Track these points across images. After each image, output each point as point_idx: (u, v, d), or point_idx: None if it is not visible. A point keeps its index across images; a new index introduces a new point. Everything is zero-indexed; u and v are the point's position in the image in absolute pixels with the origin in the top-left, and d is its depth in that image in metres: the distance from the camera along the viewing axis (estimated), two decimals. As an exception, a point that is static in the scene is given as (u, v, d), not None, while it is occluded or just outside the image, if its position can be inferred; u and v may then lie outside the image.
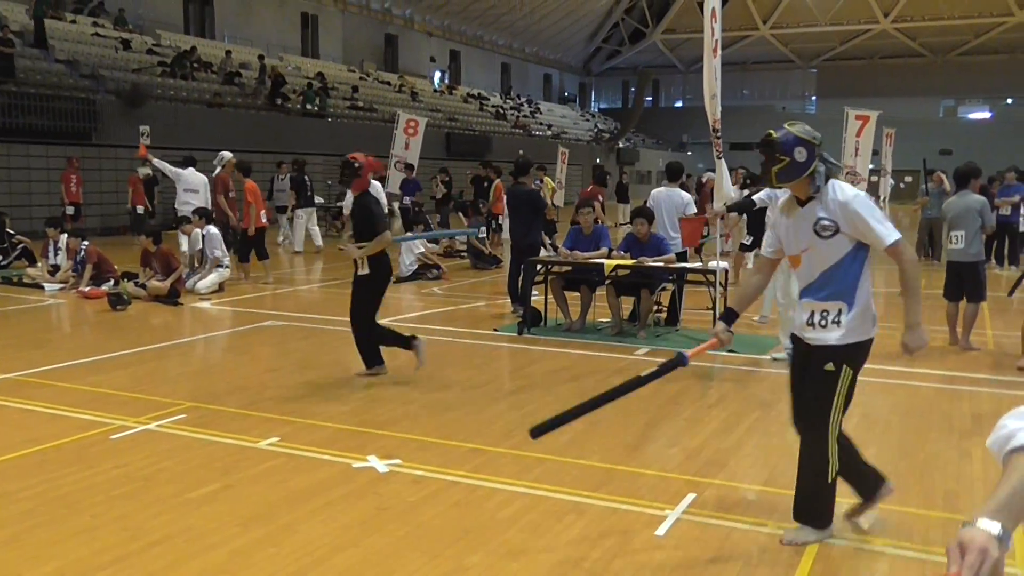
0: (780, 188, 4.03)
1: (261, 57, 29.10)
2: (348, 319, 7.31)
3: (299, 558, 3.81)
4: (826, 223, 3.86)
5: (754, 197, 8.18)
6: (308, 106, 28.05)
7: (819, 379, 3.95)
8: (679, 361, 4.16)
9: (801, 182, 3.92)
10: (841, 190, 3.89)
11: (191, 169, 14.11)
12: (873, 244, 3.83)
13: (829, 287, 3.91)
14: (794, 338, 4.16)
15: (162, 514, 4.30)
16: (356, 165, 7.11)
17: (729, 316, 4.22)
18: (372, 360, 7.25)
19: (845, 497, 4.18)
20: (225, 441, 5.47)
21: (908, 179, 40.42)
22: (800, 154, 3.87)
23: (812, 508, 4.01)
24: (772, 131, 3.97)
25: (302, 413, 6.12)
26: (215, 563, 3.75)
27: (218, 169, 13.63)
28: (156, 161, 14.01)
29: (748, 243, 13.11)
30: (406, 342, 7.27)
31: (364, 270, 7.12)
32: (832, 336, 3.91)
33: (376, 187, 13.86)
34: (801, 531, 4.01)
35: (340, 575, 3.66)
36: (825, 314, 3.92)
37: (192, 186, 13.99)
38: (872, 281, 4.04)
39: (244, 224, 13.02)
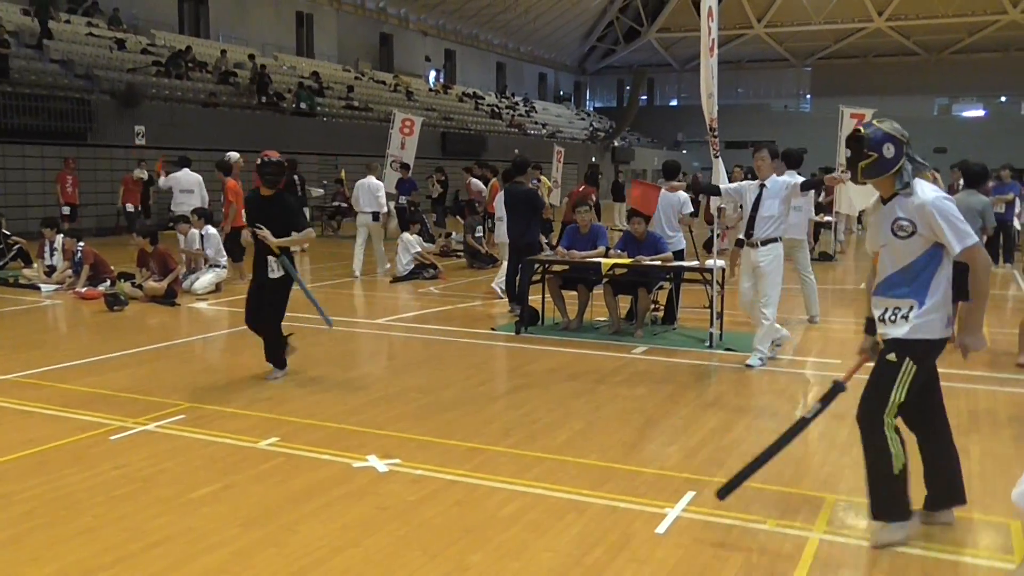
0: (865, 184, 4.00)
1: (252, 57, 28.99)
2: (262, 323, 7.05)
3: (300, 558, 3.81)
4: (904, 223, 3.87)
5: (722, 187, 8.09)
6: (300, 105, 27.96)
7: (880, 369, 3.97)
8: (838, 389, 4.19)
9: (887, 179, 3.92)
10: (922, 190, 3.88)
11: (185, 170, 14.29)
12: (949, 247, 3.81)
13: (903, 285, 3.93)
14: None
15: (163, 515, 4.30)
16: (284, 163, 7.09)
17: (869, 326, 4.19)
18: (283, 363, 7.19)
19: (841, 494, 4.20)
20: (224, 441, 5.47)
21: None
22: (888, 150, 3.86)
23: (885, 503, 3.96)
24: (861, 127, 3.95)
25: (300, 413, 6.13)
26: (216, 563, 3.76)
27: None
28: (162, 181, 14.07)
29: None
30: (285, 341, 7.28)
31: (277, 273, 6.92)
32: (899, 331, 3.93)
33: (376, 185, 14.03)
34: (883, 529, 3.96)
35: (341, 575, 3.66)
36: (896, 311, 3.94)
37: (187, 187, 14.22)
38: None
39: (223, 223, 13.03)
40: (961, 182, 15.32)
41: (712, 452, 5.34)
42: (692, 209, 9.93)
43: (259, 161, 6.89)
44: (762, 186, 7.64)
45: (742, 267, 8.02)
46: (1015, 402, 6.65)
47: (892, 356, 3.91)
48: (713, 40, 8.06)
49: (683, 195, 9.65)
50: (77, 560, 3.78)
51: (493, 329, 9.50)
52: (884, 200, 3.99)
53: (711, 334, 8.58)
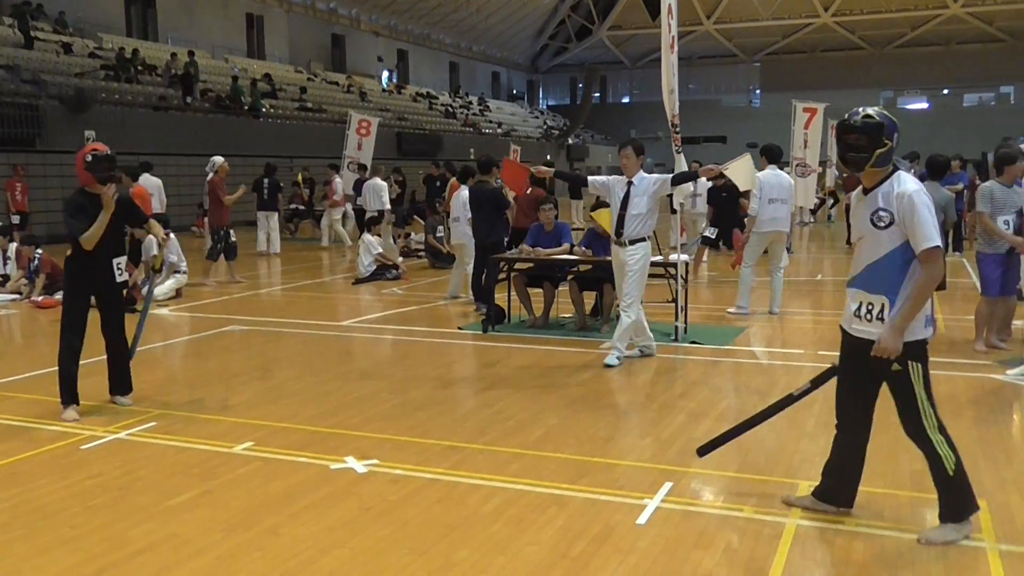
0: (860, 172, 3.95)
1: (173, 55, 28.08)
2: (118, 335, 6.40)
3: (286, 561, 3.82)
4: (883, 213, 3.86)
5: (590, 179, 7.88)
6: (232, 103, 27.25)
7: (893, 382, 3.95)
8: (833, 372, 4.25)
9: (882, 169, 3.92)
10: (904, 182, 3.87)
11: (146, 175, 14.22)
12: (914, 241, 3.80)
13: (876, 279, 3.91)
14: (842, 331, 4.17)
15: (143, 522, 4.27)
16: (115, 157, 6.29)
17: None
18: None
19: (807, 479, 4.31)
20: (199, 447, 5.43)
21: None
22: (896, 140, 3.88)
23: (950, 505, 3.98)
24: (871, 112, 3.91)
25: (273, 417, 6.10)
26: (202, 569, 3.75)
27: (211, 175, 13.54)
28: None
29: (712, 236, 13.31)
30: None
31: (124, 276, 6.38)
32: (874, 331, 3.91)
33: (381, 185, 14.92)
34: (942, 529, 3.96)
35: (330, 574, 3.67)
36: (870, 307, 3.93)
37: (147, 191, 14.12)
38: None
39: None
40: (912, 172, 15.75)
41: (686, 443, 5.43)
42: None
43: (89, 157, 6.03)
44: (629, 183, 7.53)
45: (613, 264, 7.83)
46: (973, 386, 6.84)
47: (896, 367, 3.90)
48: (673, 37, 8.17)
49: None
50: (59, 571, 3.74)
51: (460, 328, 9.52)
52: (867, 190, 3.98)
53: (676, 328, 8.70)
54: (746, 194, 11.47)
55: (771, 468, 4.98)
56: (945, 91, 59.02)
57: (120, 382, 6.36)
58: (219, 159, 13.66)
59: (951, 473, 3.93)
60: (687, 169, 8.49)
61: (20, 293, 11.71)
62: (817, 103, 17.51)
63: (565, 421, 6.15)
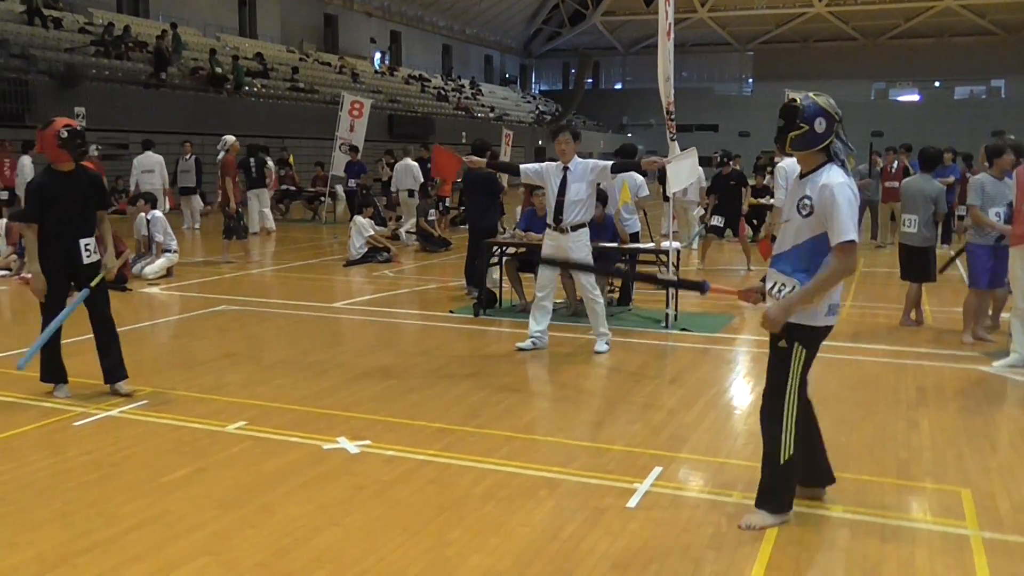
0: (792, 155, 4.00)
1: (163, 32, 27.66)
2: (106, 319, 6.21)
3: (280, 538, 3.85)
4: (807, 201, 3.89)
5: (522, 167, 7.80)
6: (216, 71, 26.88)
7: (774, 356, 4.04)
8: (701, 288, 4.39)
9: (812, 154, 3.91)
10: (831, 174, 3.87)
11: (148, 152, 15.62)
12: (831, 233, 3.81)
13: (792, 263, 3.95)
14: None
15: (136, 499, 4.29)
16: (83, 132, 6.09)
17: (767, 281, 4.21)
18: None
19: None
20: (192, 426, 5.45)
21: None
22: (820, 125, 3.85)
23: (767, 492, 4.06)
24: (797, 97, 3.93)
25: (266, 397, 6.12)
26: (196, 545, 3.78)
27: (222, 153, 13.56)
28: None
29: (720, 224, 13.33)
30: None
31: (94, 256, 6.10)
32: None
33: (413, 165, 15.32)
34: (756, 515, 4.04)
35: (323, 554, 3.71)
36: (782, 287, 3.97)
37: (148, 167, 16.39)
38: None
39: None
40: (896, 164, 15.83)
41: (676, 429, 5.49)
42: (648, 192, 10.08)
43: (65, 133, 5.81)
44: (565, 169, 7.42)
45: (546, 253, 7.70)
46: (960, 377, 6.92)
47: (783, 343, 3.96)
48: (670, 24, 8.18)
49: (640, 178, 9.78)
50: (54, 545, 3.76)
51: (451, 312, 9.55)
52: (802, 175, 4.01)
53: (667, 315, 8.75)
54: (755, 188, 11.49)
55: (760, 455, 5.02)
56: (937, 83, 59.19)
57: (112, 369, 6.11)
58: (230, 138, 13.75)
59: (780, 463, 3.98)
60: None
61: (9, 269, 11.67)
62: (811, 93, 17.53)
63: (556, 405, 6.20)
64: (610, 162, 7.66)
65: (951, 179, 15.06)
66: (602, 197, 9.42)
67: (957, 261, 10.09)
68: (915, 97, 59.65)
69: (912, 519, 4.16)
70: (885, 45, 57.60)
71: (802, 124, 3.87)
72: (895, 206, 14.58)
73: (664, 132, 8.89)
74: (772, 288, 4.03)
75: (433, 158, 8.62)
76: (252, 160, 17.55)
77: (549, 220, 7.60)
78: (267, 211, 17.94)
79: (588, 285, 7.63)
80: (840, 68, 56.50)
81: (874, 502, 4.34)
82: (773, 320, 3.89)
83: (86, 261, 6.01)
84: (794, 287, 3.91)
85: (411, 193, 16.08)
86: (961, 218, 15.90)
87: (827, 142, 3.89)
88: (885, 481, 4.64)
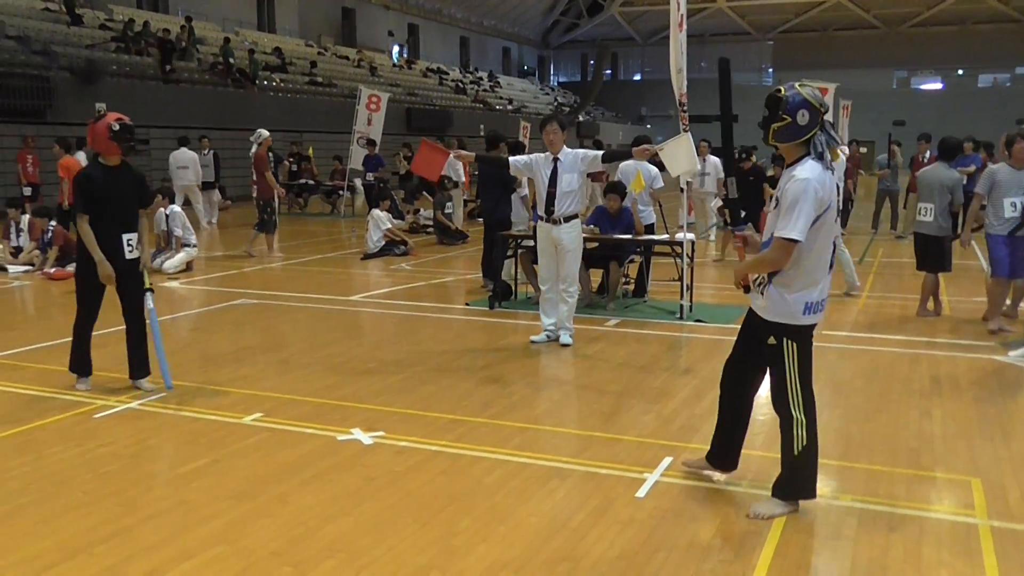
0: (775, 146, 3.99)
1: (182, 27, 27.84)
2: (141, 314, 6.21)
3: (294, 527, 3.92)
4: (779, 195, 3.90)
5: (511, 159, 7.73)
6: (229, 60, 26.95)
7: (768, 353, 4.04)
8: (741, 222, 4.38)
9: (794, 146, 3.89)
10: (802, 169, 3.84)
11: (183, 149, 16.82)
12: (778, 223, 3.82)
13: None
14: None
15: (153, 489, 4.38)
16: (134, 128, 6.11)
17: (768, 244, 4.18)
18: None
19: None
20: (208, 417, 5.54)
21: (863, 150, 41.25)
22: (803, 117, 3.82)
23: (782, 481, 4.09)
24: (782, 87, 3.92)
25: (281, 389, 6.20)
26: (212, 534, 3.85)
27: (255, 147, 13.70)
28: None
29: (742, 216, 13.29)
30: None
31: (136, 252, 6.13)
32: (759, 303, 4.04)
33: (454, 161, 14.92)
34: (765, 504, 4.07)
35: (335, 542, 3.77)
36: (760, 280, 4.02)
37: (183, 163, 17.47)
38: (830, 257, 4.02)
39: (60, 200, 13.70)
40: (928, 154, 15.70)
41: (687, 419, 5.51)
42: (663, 184, 10.08)
43: (117, 126, 5.87)
44: (555, 160, 7.35)
45: (540, 245, 7.68)
46: (975, 367, 6.89)
47: (772, 340, 3.99)
48: (682, 16, 8.16)
49: (654, 169, 9.79)
50: (74, 534, 3.85)
51: (467, 304, 9.60)
52: (785, 167, 4.01)
53: (681, 306, 8.76)
54: (771, 179, 11.42)
55: (769, 444, 5.04)
56: (959, 72, 58.52)
57: (139, 366, 6.17)
58: (264, 132, 13.92)
59: (796, 454, 4.00)
60: (693, 148, 8.49)
61: (33, 264, 11.84)
62: (829, 83, 17.41)
63: (567, 396, 6.24)
64: (600, 151, 7.61)
65: (971, 168, 14.92)
66: (619, 189, 9.44)
67: (976, 250, 10.01)
68: (937, 85, 59.04)
69: (921, 508, 4.17)
70: (906, 33, 57.01)
71: (784, 116, 3.85)
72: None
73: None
74: (755, 279, 4.08)
75: (418, 153, 8.28)
76: (272, 155, 17.77)
77: (540, 212, 7.54)
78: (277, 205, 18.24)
79: (569, 278, 7.58)
80: (861, 57, 56.01)
81: (883, 491, 4.36)
82: (736, 273, 4.14)
83: (128, 256, 6.02)
84: (764, 278, 3.98)
85: (456, 184, 15.88)
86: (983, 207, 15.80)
87: (809, 135, 3.85)
88: (895, 471, 4.65)
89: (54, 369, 6.64)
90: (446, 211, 15.66)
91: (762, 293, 4.00)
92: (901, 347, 7.56)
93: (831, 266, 4.04)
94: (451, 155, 8.10)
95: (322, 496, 4.28)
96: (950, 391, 6.19)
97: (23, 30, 22.47)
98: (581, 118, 52.22)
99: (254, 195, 13.91)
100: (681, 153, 8.18)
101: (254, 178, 13.80)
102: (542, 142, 7.51)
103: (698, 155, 8.90)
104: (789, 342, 3.96)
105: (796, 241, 3.79)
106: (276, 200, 13.97)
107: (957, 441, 5.11)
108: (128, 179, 6.07)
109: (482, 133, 35.09)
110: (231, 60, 27.12)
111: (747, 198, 13.31)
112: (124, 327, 6.19)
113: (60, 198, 13.80)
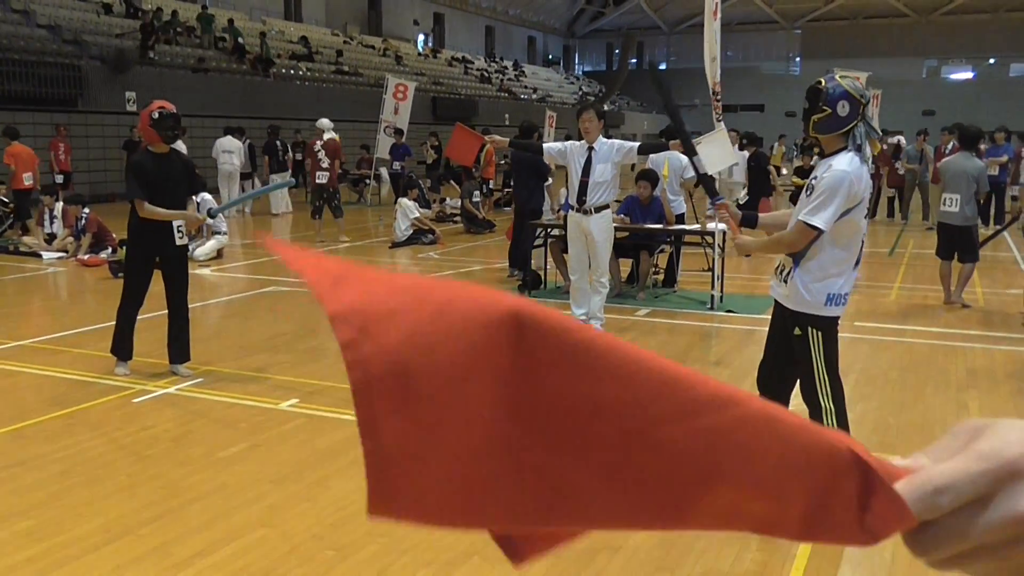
0: (815, 137, 3.98)
1: (212, 17, 28.35)
2: (183, 303, 6.24)
3: (334, 512, 3.96)
4: (814, 182, 3.88)
5: (545, 146, 7.70)
6: (239, 40, 27.14)
7: (795, 345, 4.02)
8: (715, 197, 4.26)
9: (834, 137, 3.87)
10: (840, 160, 3.82)
11: (229, 136, 17.51)
12: (806, 207, 3.80)
13: None
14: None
15: (195, 473, 4.44)
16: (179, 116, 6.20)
17: (750, 219, 4.26)
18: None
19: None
20: (246, 403, 5.60)
21: (892, 140, 40.85)
22: (843, 108, 3.79)
23: None
24: (822, 79, 3.91)
25: (317, 376, 6.25)
26: (255, 517, 3.90)
27: (328, 135, 13.91)
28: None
29: (742, 203, 13.25)
30: None
31: (184, 239, 6.25)
32: (781, 292, 4.02)
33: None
34: None
35: (376, 527, 3.80)
36: (782, 268, 4.01)
37: (228, 148, 17.70)
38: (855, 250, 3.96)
39: (14, 184, 13.91)
40: (952, 145, 15.54)
41: (721, 409, 5.51)
42: (693, 173, 10.02)
43: (156, 115, 5.97)
44: (590, 149, 7.21)
45: (570, 235, 7.58)
46: (1012, 359, 6.84)
47: (797, 331, 3.97)
48: (717, 3, 8.12)
49: (685, 159, 9.73)
50: (119, 516, 3.91)
51: (496, 293, 9.62)
52: (822, 157, 3.99)
53: (712, 296, 8.74)
54: (799, 170, 11.39)
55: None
56: (991, 60, 57.66)
57: (179, 351, 6.23)
58: (327, 122, 14.28)
59: None
60: (727, 138, 8.46)
61: (67, 251, 11.99)
62: (859, 72, 17.26)
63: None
64: (637, 143, 7.54)
65: (1004, 158, 14.77)
66: (652, 177, 9.42)
67: (1009, 241, 9.90)
68: (968, 75, 58.22)
69: (961, 500, 4.15)
70: (937, 21, 56.27)
71: (825, 107, 3.82)
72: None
73: (710, 112, 8.85)
74: (776, 267, 4.09)
75: (452, 138, 8.13)
76: (279, 143, 18.19)
77: (572, 201, 7.49)
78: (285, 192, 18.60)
79: (600, 269, 7.55)
80: (890, 46, 55.36)
81: (922, 483, 4.33)
82: (738, 246, 4.17)
83: (178, 242, 6.13)
84: (789, 268, 3.95)
85: (412, 179, 16.01)
86: (1014, 198, 15.61)
87: (850, 126, 3.83)
88: (934, 463, 4.62)
89: (92, 354, 6.73)
90: (473, 200, 15.68)
91: (785, 282, 3.99)
92: (936, 339, 7.50)
93: (858, 262, 4.02)
94: (486, 140, 8.06)
95: (362, 481, 4.22)
96: (987, 383, 6.14)
97: (54, 19, 22.70)
98: (606, 107, 52.06)
99: (324, 182, 14.09)
100: (717, 148, 8.12)
101: (325, 165, 13.95)
102: (568, 132, 7.51)
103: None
104: (815, 331, 3.95)
105: (819, 229, 3.78)
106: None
107: (996, 433, 5.07)
108: (177, 166, 6.18)
109: (508, 123, 35.13)
110: (239, 40, 27.16)
111: (751, 183, 13.32)
112: (166, 312, 6.23)
113: (14, 184, 13.93)
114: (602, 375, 0.55)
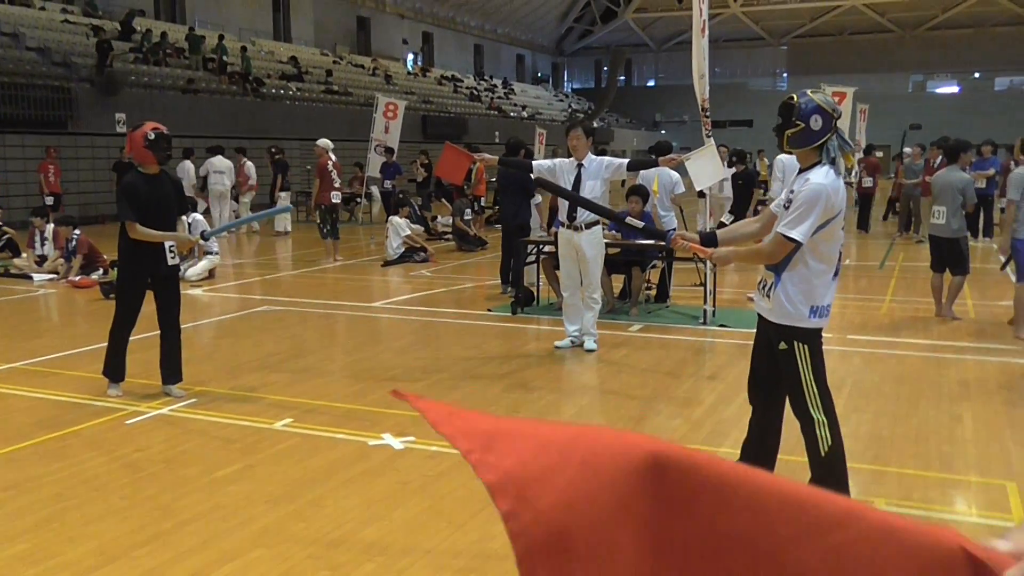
0: (790, 153, 4.04)
1: (202, 38, 28.49)
2: (174, 323, 6.25)
3: (330, 532, 3.95)
4: (791, 195, 3.93)
5: (535, 163, 7.72)
6: (223, 56, 27.17)
7: (781, 359, 4.03)
8: (664, 238, 4.44)
9: (809, 151, 3.93)
10: (817, 174, 3.87)
11: (219, 156, 17.68)
12: (783, 219, 3.86)
13: None
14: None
15: (190, 494, 4.42)
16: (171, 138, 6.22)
17: (709, 238, 4.28)
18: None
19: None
20: (240, 423, 5.58)
21: (879, 154, 41.08)
22: (816, 123, 3.85)
23: (815, 484, 4.07)
24: (795, 95, 3.97)
25: (310, 395, 6.24)
26: (250, 538, 3.88)
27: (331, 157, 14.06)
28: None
29: (728, 223, 13.34)
30: None
31: (176, 259, 6.24)
32: (764, 306, 4.05)
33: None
34: None
35: (373, 545, 3.80)
36: (764, 283, 4.05)
37: (219, 168, 17.88)
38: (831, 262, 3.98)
39: None
40: (940, 159, 15.64)
41: (716, 424, 5.51)
42: (684, 189, 10.09)
43: (152, 136, 6.01)
44: (579, 166, 7.27)
45: (561, 252, 7.63)
46: (1004, 371, 6.86)
47: (783, 345, 3.99)
48: (704, 21, 8.18)
49: (675, 175, 9.79)
50: (113, 538, 3.89)
51: (489, 310, 9.63)
52: (799, 172, 4.03)
53: (704, 311, 8.76)
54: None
55: (793, 448, 5.04)
56: (976, 75, 58.19)
57: (172, 372, 6.21)
58: (327, 142, 14.12)
59: (823, 454, 4.00)
60: (716, 154, 8.50)
61: (57, 273, 11.94)
62: (846, 87, 17.39)
63: (594, 402, 6.25)
64: (626, 160, 7.56)
65: (991, 171, 14.88)
66: (642, 193, 9.46)
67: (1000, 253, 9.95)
68: (954, 89, 58.70)
69: (956, 512, 4.17)
70: (922, 36, 56.78)
71: (798, 122, 3.88)
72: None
73: (698, 128, 8.90)
74: (760, 283, 4.11)
75: (442, 157, 8.12)
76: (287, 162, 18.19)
77: (562, 218, 7.52)
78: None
79: (592, 285, 7.57)
80: (876, 61, 55.79)
81: (918, 495, 4.35)
82: (715, 256, 4.16)
83: (170, 263, 6.13)
84: (771, 282, 3.99)
85: (404, 198, 15.95)
86: (1003, 211, 15.71)
87: (823, 140, 3.89)
88: (928, 475, 4.63)
89: (83, 376, 6.70)
90: (465, 217, 15.70)
91: (769, 296, 4.02)
92: (928, 351, 7.53)
93: (836, 273, 4.05)
94: (475, 159, 8.07)
95: (357, 500, 4.30)
96: (980, 395, 6.16)
97: (43, 42, 22.70)
98: (595, 124, 52.27)
99: (338, 201, 14.24)
100: (707, 164, 8.14)
101: (337, 184, 14.03)
102: (556, 148, 7.56)
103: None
104: (800, 345, 3.96)
105: (796, 242, 3.83)
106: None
107: (990, 445, 5.09)
108: (167, 187, 6.19)
109: (497, 140, 35.22)
110: (225, 58, 27.25)
111: (736, 200, 13.42)
112: (158, 332, 6.22)
113: None
114: (737, 506, 0.59)
